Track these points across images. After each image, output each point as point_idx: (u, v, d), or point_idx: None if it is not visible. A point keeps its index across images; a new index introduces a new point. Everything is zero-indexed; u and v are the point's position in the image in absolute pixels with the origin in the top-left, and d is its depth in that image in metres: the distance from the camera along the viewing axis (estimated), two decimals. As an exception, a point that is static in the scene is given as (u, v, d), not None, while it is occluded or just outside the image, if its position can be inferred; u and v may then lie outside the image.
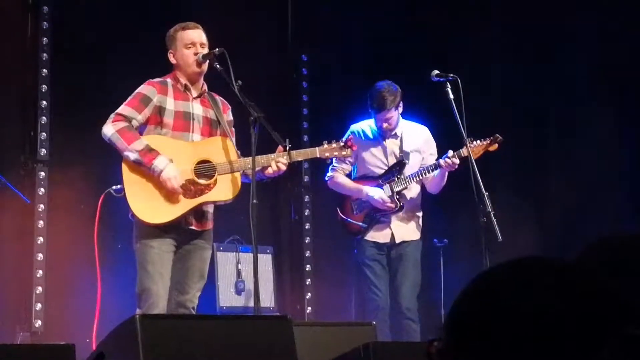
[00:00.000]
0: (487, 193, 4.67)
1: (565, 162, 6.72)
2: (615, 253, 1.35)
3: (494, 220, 4.61)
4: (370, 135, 5.43)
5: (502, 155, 6.57)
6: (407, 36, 7.00)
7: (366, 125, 5.47)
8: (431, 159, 5.36)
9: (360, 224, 5.33)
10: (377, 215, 5.32)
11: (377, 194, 5.27)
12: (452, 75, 4.97)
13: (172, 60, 4.48)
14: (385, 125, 5.32)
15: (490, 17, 6.97)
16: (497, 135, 5.17)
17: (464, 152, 5.05)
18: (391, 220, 5.33)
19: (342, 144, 4.61)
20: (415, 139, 5.44)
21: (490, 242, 4.64)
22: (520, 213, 6.43)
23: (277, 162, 4.35)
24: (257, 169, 4.32)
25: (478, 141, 5.12)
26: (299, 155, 4.54)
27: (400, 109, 5.35)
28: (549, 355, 0.93)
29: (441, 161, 5.13)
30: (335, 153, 4.63)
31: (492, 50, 6.92)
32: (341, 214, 5.43)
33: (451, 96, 4.94)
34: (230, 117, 4.62)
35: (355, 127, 5.48)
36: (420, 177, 5.29)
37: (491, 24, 6.96)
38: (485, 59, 6.85)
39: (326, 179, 5.48)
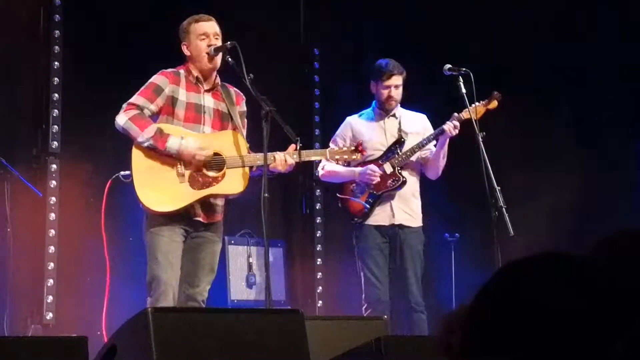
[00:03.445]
0: (499, 187, 4.66)
1: (578, 155, 6.70)
2: (630, 247, 1.34)
3: (506, 214, 4.60)
4: (368, 121, 5.39)
5: (514, 149, 6.58)
6: (421, 29, 6.98)
7: (364, 113, 5.44)
8: (429, 146, 5.33)
9: (364, 202, 5.23)
10: (379, 195, 5.23)
11: (364, 169, 5.18)
12: (464, 69, 4.97)
13: (186, 52, 4.50)
14: (393, 92, 5.26)
15: (504, 11, 6.93)
16: (495, 92, 5.19)
17: (464, 115, 5.07)
18: (394, 198, 5.25)
19: (352, 147, 4.60)
20: (415, 123, 5.41)
21: (502, 237, 4.62)
22: (532, 207, 6.40)
23: (285, 160, 4.34)
24: (262, 163, 4.31)
25: (477, 103, 5.13)
26: (309, 155, 4.55)
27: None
28: (567, 348, 0.94)
29: (445, 126, 5.12)
30: (345, 156, 4.60)
31: (506, 44, 6.89)
32: (343, 195, 5.32)
33: (463, 90, 4.94)
34: (244, 108, 4.62)
35: (351, 117, 5.44)
36: (421, 148, 5.23)
37: (503, 17, 6.93)
38: (499, 53, 6.81)
39: (319, 170, 5.36)
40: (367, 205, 5.23)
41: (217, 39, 4.45)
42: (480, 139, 4.91)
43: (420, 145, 5.24)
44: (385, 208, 5.25)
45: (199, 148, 4.27)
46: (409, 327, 5.16)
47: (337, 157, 4.62)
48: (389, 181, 5.24)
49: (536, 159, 6.82)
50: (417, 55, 6.52)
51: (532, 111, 6.79)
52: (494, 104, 5.20)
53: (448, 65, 5.02)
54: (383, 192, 5.24)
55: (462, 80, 4.96)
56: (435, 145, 5.27)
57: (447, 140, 5.19)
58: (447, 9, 7.00)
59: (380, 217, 5.25)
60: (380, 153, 5.29)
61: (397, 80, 5.28)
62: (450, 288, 6.16)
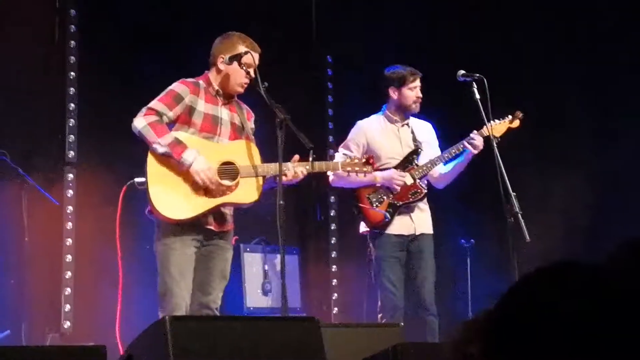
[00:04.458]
0: (514, 193, 4.65)
1: (593, 161, 6.68)
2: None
3: (522, 220, 4.59)
4: (381, 129, 5.35)
5: (527, 154, 6.57)
6: (433, 36, 6.98)
7: (374, 119, 5.40)
8: (437, 154, 5.34)
9: (384, 212, 5.18)
10: (399, 205, 5.20)
11: (390, 173, 5.15)
12: (478, 75, 4.96)
13: (220, 66, 4.47)
14: (418, 95, 5.25)
15: (517, 13, 6.92)
16: (518, 112, 5.22)
17: (484, 131, 5.07)
18: (413, 210, 5.22)
19: (363, 160, 4.62)
20: (426, 132, 5.42)
21: (518, 243, 4.61)
22: (547, 212, 6.39)
23: (294, 171, 4.35)
24: (276, 174, 4.33)
25: (498, 120, 5.14)
26: (321, 166, 4.55)
27: None
28: (590, 357, 0.94)
29: (467, 143, 5.09)
30: (357, 168, 4.60)
31: (520, 49, 6.88)
32: (360, 204, 5.24)
33: (477, 96, 4.93)
34: (253, 125, 4.64)
35: (363, 122, 5.39)
36: (442, 161, 5.22)
37: (515, 18, 6.92)
38: (513, 58, 6.81)
39: (329, 174, 5.25)
40: (388, 215, 5.18)
41: (253, 71, 4.44)
42: (495, 144, 4.91)
43: (442, 159, 5.23)
44: (405, 218, 5.22)
45: (208, 169, 4.28)
46: (421, 331, 5.13)
47: (348, 169, 4.63)
48: (410, 193, 5.21)
49: (551, 162, 6.80)
50: (430, 61, 6.53)
51: (546, 114, 6.78)
52: (517, 122, 5.22)
53: (462, 71, 5.01)
54: (404, 203, 5.22)
55: (475, 86, 4.95)
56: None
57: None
58: (459, 14, 7.00)
59: (399, 226, 5.21)
60: (395, 162, 5.26)
61: (419, 81, 5.29)
62: (466, 294, 6.15)
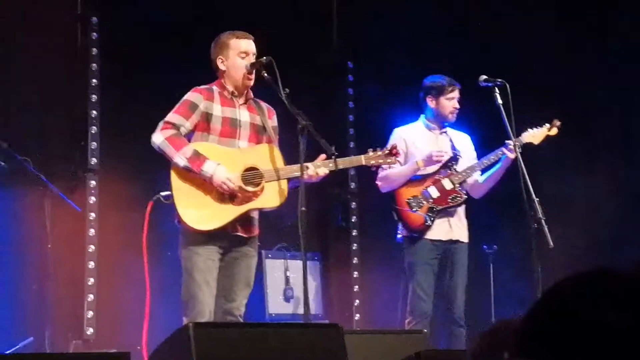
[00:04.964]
0: (537, 199, 4.62)
1: (615, 167, 6.63)
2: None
3: (545, 226, 4.56)
4: (420, 135, 5.37)
5: (550, 160, 6.53)
6: (453, 41, 6.96)
7: (412, 127, 5.42)
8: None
9: (425, 215, 5.17)
10: (438, 209, 5.19)
11: (429, 152, 5.16)
12: (500, 80, 4.94)
13: (222, 67, 4.50)
14: (455, 105, 5.28)
15: (536, 20, 6.89)
16: (555, 120, 5.24)
17: (524, 139, 5.12)
18: (452, 215, 5.22)
19: (387, 151, 4.58)
20: (463, 142, 5.44)
21: (541, 249, 4.58)
22: (570, 218, 6.35)
23: (317, 171, 4.34)
24: (298, 174, 4.32)
25: (536, 128, 5.19)
26: (345, 163, 4.54)
27: None
28: None
29: (506, 150, 5.07)
30: (380, 161, 4.57)
31: (539, 54, 6.84)
32: (400, 207, 5.23)
33: (499, 101, 4.91)
34: (275, 123, 4.63)
35: (401, 130, 5.40)
36: (481, 167, 5.24)
37: (535, 27, 6.89)
38: (533, 63, 6.77)
39: (377, 182, 5.28)
40: (429, 219, 5.17)
41: (254, 57, 4.47)
42: (518, 150, 4.89)
43: (481, 165, 5.24)
44: (443, 223, 5.23)
45: (228, 179, 4.28)
46: (448, 340, 5.14)
47: (372, 162, 4.60)
48: (449, 198, 5.21)
49: (574, 168, 6.76)
50: (451, 66, 6.51)
51: (568, 118, 6.73)
52: (555, 131, 5.26)
53: (484, 77, 5.00)
54: (443, 208, 5.21)
55: (498, 91, 4.93)
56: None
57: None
58: (479, 17, 6.98)
59: (437, 231, 5.21)
60: (434, 168, 5.25)
61: (457, 92, 5.31)
62: (488, 300, 6.11)
